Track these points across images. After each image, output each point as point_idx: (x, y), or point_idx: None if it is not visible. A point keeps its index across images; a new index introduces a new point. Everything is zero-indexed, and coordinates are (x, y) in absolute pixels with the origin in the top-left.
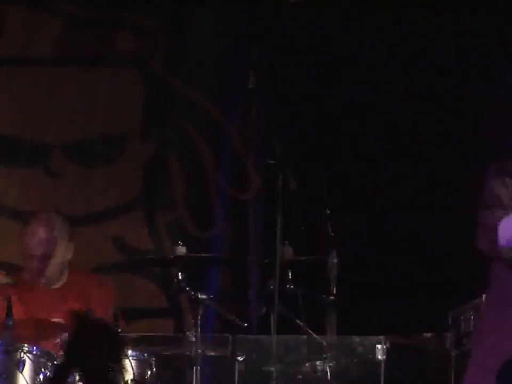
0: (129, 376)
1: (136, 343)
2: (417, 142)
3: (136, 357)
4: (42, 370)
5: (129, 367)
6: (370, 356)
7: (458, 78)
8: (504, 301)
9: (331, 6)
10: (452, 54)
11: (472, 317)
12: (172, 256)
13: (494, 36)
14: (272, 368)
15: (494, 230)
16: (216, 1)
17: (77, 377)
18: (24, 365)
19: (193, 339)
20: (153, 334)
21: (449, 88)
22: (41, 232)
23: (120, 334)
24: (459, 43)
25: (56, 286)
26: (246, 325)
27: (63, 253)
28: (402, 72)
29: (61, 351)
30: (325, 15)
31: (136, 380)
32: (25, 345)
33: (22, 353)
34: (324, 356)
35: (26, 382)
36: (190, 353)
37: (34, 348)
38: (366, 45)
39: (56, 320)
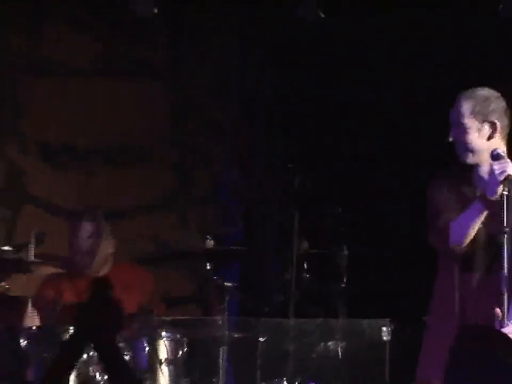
0: (163, 355)
1: (170, 326)
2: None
3: (170, 337)
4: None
5: (164, 346)
6: (377, 337)
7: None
8: (446, 295)
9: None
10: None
11: None
12: (201, 249)
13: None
14: (290, 348)
15: (445, 230)
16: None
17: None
18: None
19: (221, 322)
20: (185, 317)
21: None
22: (88, 228)
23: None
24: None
25: (100, 274)
26: (266, 309)
27: (106, 246)
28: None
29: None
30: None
31: (169, 358)
32: (71, 327)
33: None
34: (335, 337)
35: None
36: (218, 334)
37: None
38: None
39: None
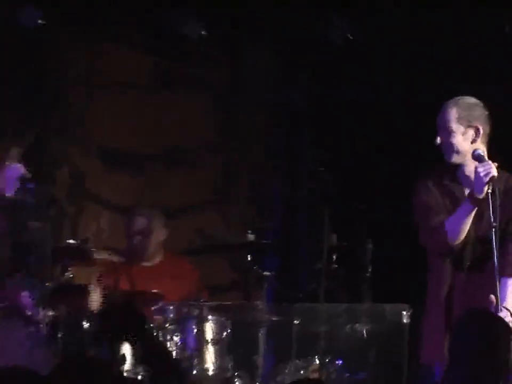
0: (209, 336)
1: (215, 310)
2: None
3: (215, 320)
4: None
5: (210, 328)
6: (397, 320)
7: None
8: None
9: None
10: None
11: None
12: (243, 242)
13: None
14: (320, 330)
15: (440, 229)
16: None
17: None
18: None
19: (260, 307)
20: (228, 303)
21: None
22: (143, 220)
23: None
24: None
25: (152, 264)
26: (300, 295)
27: (158, 237)
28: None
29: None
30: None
31: (214, 339)
32: None
33: None
34: (361, 320)
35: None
36: (257, 318)
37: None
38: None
39: (153, 291)
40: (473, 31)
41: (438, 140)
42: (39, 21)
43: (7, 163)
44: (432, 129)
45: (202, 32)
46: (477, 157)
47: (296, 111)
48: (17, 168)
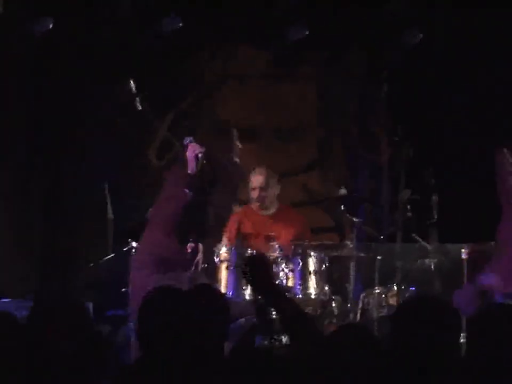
0: (311, 268)
1: (316, 248)
2: None
3: (316, 256)
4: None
5: (312, 262)
6: (458, 256)
7: None
8: None
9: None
10: None
11: None
12: (338, 196)
13: None
14: (398, 264)
15: None
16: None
17: None
18: None
19: (351, 246)
20: (326, 242)
21: None
22: (262, 176)
23: None
24: None
25: (270, 213)
26: (382, 237)
27: (274, 190)
28: None
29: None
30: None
31: (315, 270)
32: (249, 248)
33: (247, 253)
34: (429, 256)
35: None
36: (349, 254)
37: (254, 250)
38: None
39: (270, 234)
40: None
41: None
42: (180, 25)
43: (187, 143)
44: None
45: (306, 32)
46: None
47: (377, 99)
48: (195, 147)
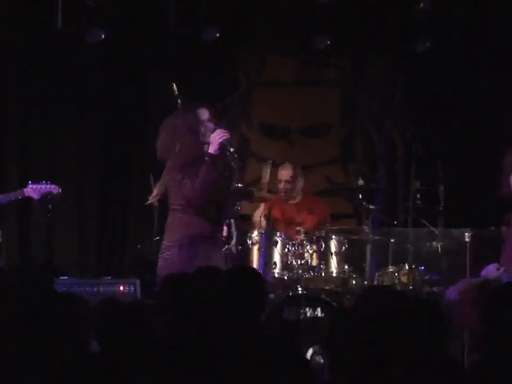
0: (332, 250)
1: (337, 232)
2: None
3: (337, 239)
4: (287, 247)
5: (333, 244)
6: (462, 240)
7: None
8: None
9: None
10: None
11: None
12: (356, 185)
13: None
14: (409, 246)
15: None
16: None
17: None
18: (277, 243)
19: (367, 230)
20: (346, 227)
21: None
22: (288, 171)
23: None
24: None
25: (295, 201)
26: (395, 222)
27: (299, 184)
28: None
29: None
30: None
31: (336, 252)
32: (277, 233)
33: (276, 237)
34: (437, 239)
35: (278, 253)
36: (365, 237)
37: (282, 234)
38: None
39: (296, 219)
40: None
41: None
42: (217, 35)
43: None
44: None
45: (328, 42)
46: None
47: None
48: (222, 132)
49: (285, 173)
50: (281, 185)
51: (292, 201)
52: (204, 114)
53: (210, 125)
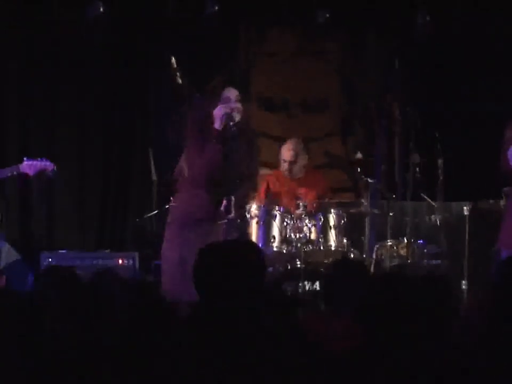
0: (331, 223)
1: (336, 205)
2: None
3: (336, 212)
4: (286, 221)
5: (332, 218)
6: (460, 213)
7: None
8: None
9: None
10: None
11: None
12: (354, 159)
13: None
14: (408, 220)
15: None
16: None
17: None
18: (275, 217)
19: (366, 204)
20: (344, 201)
21: None
22: (292, 151)
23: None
24: None
25: (297, 177)
26: (393, 196)
27: (302, 162)
28: None
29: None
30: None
31: (335, 225)
32: (276, 206)
33: (275, 211)
34: (436, 213)
35: (277, 227)
36: (364, 211)
37: (281, 208)
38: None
39: (295, 192)
40: None
41: None
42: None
43: (219, 103)
44: None
45: (327, 15)
46: None
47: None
48: (224, 108)
49: (288, 154)
50: (285, 165)
51: (293, 177)
52: (231, 93)
53: (236, 105)
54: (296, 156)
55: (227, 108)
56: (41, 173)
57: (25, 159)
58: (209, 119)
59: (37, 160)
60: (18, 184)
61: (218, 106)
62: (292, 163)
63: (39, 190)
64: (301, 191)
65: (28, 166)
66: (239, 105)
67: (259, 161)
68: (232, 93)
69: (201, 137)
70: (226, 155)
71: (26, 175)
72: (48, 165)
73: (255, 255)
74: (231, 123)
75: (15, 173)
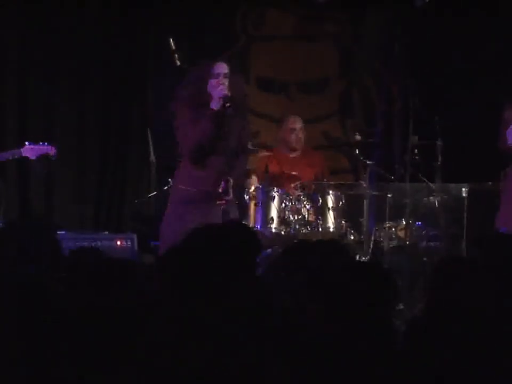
0: (330, 204)
1: (334, 187)
2: None
3: (334, 194)
4: (284, 202)
5: (330, 199)
6: (459, 194)
7: None
8: None
9: None
10: None
11: None
12: (353, 141)
13: None
14: (406, 201)
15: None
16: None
17: None
18: (274, 198)
19: (365, 185)
20: (343, 182)
21: None
22: (295, 124)
23: None
24: None
25: (295, 155)
26: (392, 177)
27: (304, 135)
28: None
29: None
30: None
31: (333, 207)
32: (275, 188)
33: (273, 192)
34: (434, 194)
35: (275, 208)
36: (363, 192)
37: (279, 189)
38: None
39: (294, 173)
40: None
41: None
42: None
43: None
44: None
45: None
46: None
47: (394, 55)
48: (222, 90)
49: (297, 123)
50: (294, 135)
51: (291, 155)
52: (221, 68)
53: (225, 80)
54: (298, 130)
55: (223, 89)
56: (42, 156)
57: (27, 143)
58: (205, 95)
59: (39, 145)
60: (17, 167)
61: (219, 87)
62: (301, 131)
63: (38, 173)
64: (299, 170)
65: (29, 149)
66: (227, 81)
67: (258, 142)
68: (221, 68)
69: (196, 112)
70: (219, 129)
71: (26, 158)
72: (49, 148)
73: (249, 238)
74: (228, 104)
75: (16, 156)
